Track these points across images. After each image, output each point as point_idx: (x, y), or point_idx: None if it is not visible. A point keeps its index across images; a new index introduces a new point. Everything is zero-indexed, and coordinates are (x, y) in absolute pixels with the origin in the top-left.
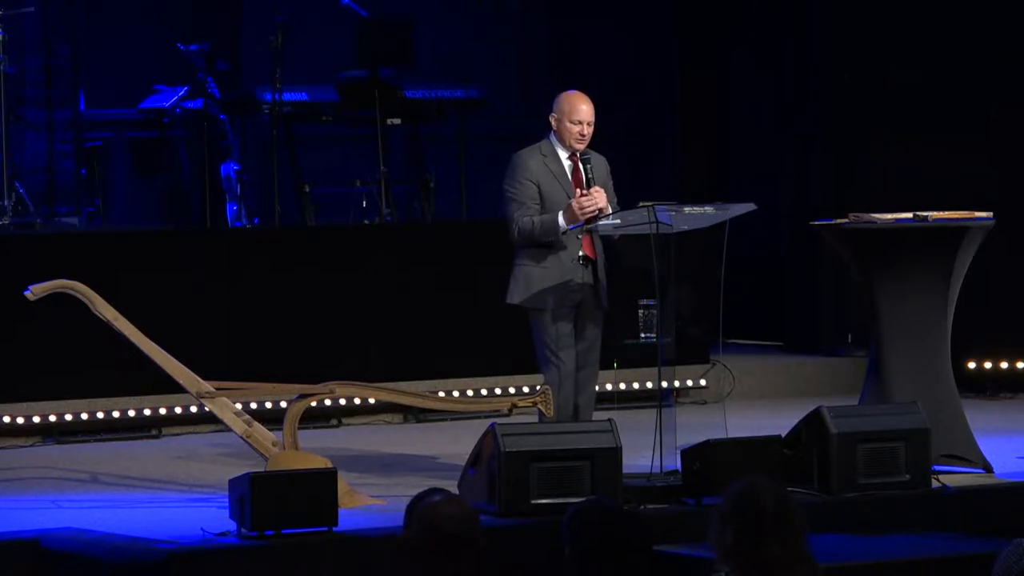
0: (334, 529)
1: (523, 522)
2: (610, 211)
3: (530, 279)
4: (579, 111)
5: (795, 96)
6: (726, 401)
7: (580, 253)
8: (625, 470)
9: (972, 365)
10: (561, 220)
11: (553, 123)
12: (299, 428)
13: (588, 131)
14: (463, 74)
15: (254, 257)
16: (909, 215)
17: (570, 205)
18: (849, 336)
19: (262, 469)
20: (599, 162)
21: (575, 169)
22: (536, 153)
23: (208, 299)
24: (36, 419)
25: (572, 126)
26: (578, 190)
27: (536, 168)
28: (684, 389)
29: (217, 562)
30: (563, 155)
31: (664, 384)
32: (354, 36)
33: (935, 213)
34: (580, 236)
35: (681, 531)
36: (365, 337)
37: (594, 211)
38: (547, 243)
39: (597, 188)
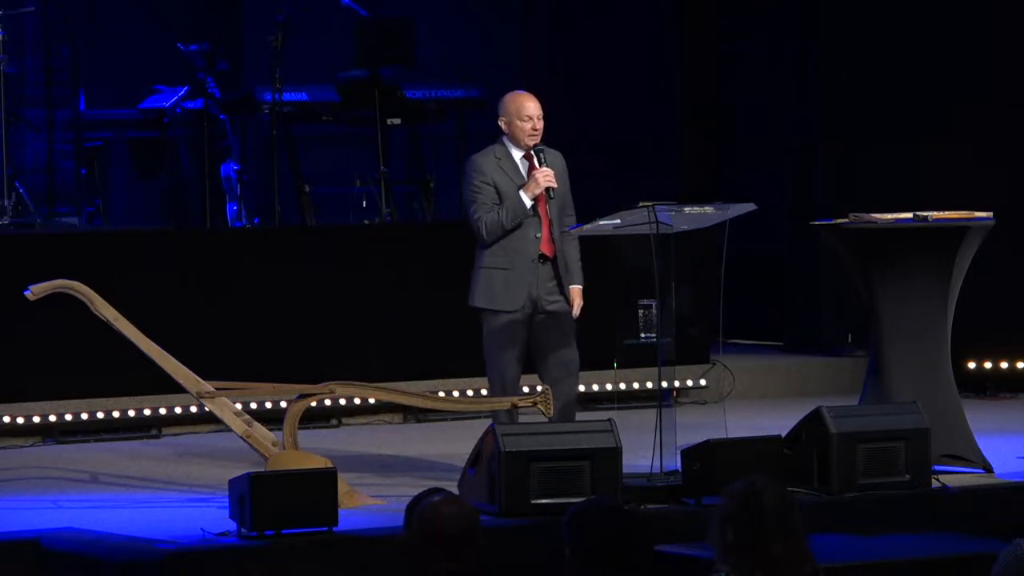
0: (334, 529)
1: (523, 522)
2: (561, 187)
3: (491, 280)
4: (526, 107)
5: (795, 96)
6: (726, 401)
7: (538, 252)
8: (625, 470)
9: (972, 365)
10: (523, 194)
11: (503, 126)
12: (299, 428)
13: (540, 125)
14: (463, 74)
15: (254, 257)
16: (909, 215)
17: (532, 175)
18: (849, 336)
19: (262, 469)
20: (554, 156)
21: (530, 167)
22: (490, 156)
23: (208, 299)
24: (36, 419)
25: (523, 123)
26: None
27: (490, 169)
28: (684, 389)
29: (217, 562)
30: (517, 155)
31: (664, 384)
32: (354, 36)
33: (935, 213)
34: (539, 235)
35: (681, 531)
36: (365, 337)
37: (551, 181)
38: (508, 244)
39: (547, 168)
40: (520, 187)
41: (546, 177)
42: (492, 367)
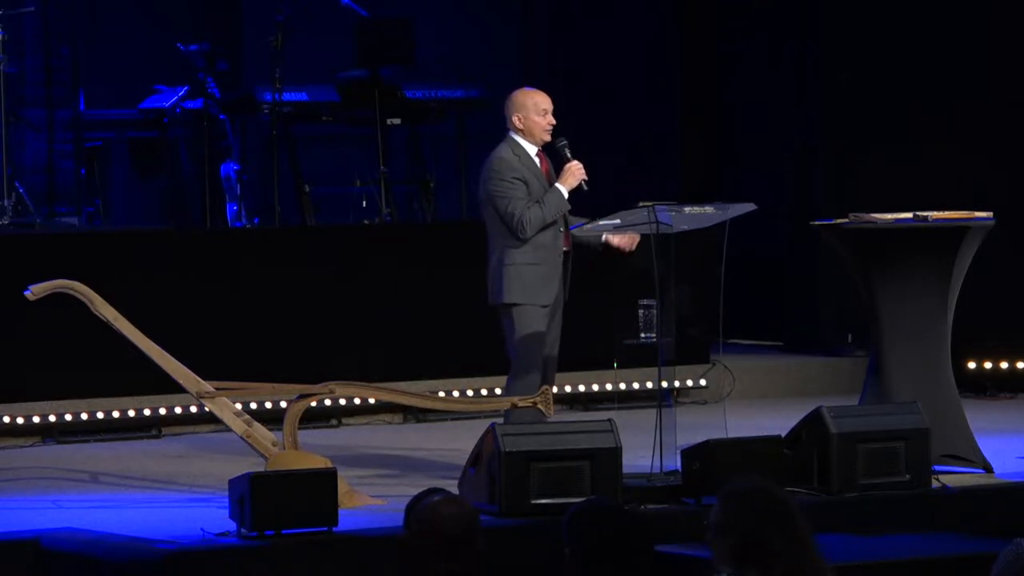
0: (334, 529)
1: (523, 522)
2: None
3: (523, 276)
4: (544, 102)
5: (795, 96)
6: (726, 401)
7: (564, 248)
8: (625, 470)
9: (972, 365)
10: (561, 187)
11: (518, 122)
12: (299, 428)
13: (553, 120)
14: (463, 74)
15: (254, 257)
16: (909, 215)
17: (568, 169)
18: (849, 336)
19: (262, 469)
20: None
21: (542, 162)
22: (510, 152)
23: (208, 299)
24: (36, 419)
25: (540, 119)
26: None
27: (518, 165)
28: (684, 389)
29: (217, 562)
30: (531, 150)
31: (664, 384)
32: (354, 36)
33: (935, 213)
34: (562, 230)
35: (681, 531)
36: (365, 337)
37: (584, 173)
38: (537, 241)
39: (577, 161)
40: (551, 182)
41: (580, 169)
42: (521, 361)
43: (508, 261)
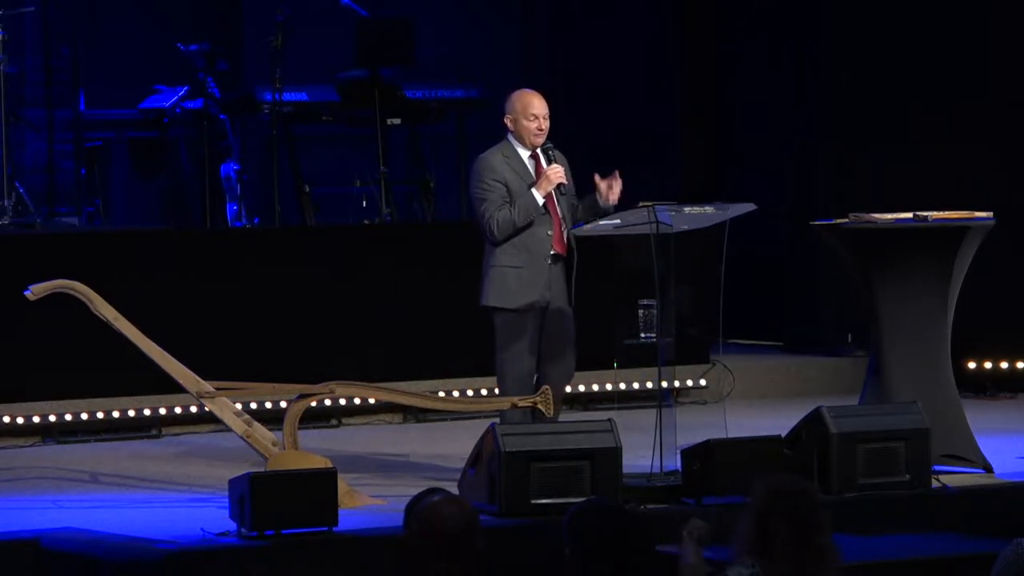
0: (334, 529)
1: (523, 522)
2: (568, 184)
3: (505, 279)
4: (533, 106)
5: (795, 96)
6: (726, 401)
7: (552, 252)
8: (625, 470)
9: (972, 365)
10: (535, 192)
11: (509, 124)
12: (299, 428)
13: (545, 125)
14: (463, 74)
15: (254, 257)
16: (909, 215)
17: (543, 174)
18: (849, 336)
19: (262, 469)
20: (560, 156)
21: (536, 166)
22: (498, 154)
23: (208, 299)
24: (36, 419)
25: (529, 123)
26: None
27: (501, 168)
28: (684, 389)
29: (217, 562)
30: (524, 154)
31: (664, 384)
32: (354, 36)
33: (935, 213)
34: (550, 233)
35: (681, 531)
36: (365, 337)
37: (562, 178)
38: (520, 243)
39: (556, 165)
40: (530, 185)
41: (556, 174)
42: (504, 364)
43: (492, 263)
